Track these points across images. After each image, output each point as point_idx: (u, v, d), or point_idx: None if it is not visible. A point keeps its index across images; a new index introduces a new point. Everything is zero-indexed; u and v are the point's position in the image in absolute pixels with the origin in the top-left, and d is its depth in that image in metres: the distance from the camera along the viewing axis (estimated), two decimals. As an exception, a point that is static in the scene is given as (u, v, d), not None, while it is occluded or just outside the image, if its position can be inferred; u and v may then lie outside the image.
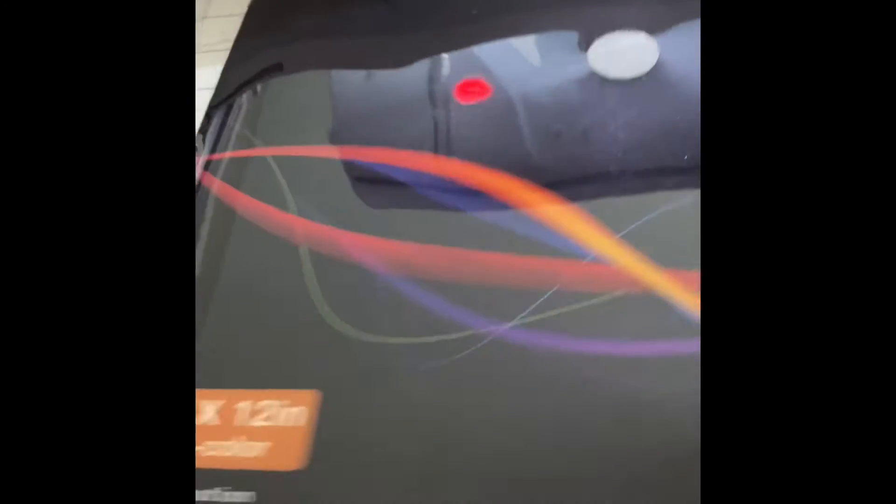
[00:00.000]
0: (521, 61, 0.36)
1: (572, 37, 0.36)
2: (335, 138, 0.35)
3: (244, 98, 0.37)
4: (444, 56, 0.37)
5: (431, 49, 0.37)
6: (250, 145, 0.35)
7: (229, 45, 0.39)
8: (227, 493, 0.25)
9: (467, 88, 0.35)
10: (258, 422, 0.26)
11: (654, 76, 0.34)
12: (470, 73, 0.35)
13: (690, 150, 0.31)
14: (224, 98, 0.37)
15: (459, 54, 0.37)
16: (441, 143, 0.33)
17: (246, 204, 0.32)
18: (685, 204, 0.29)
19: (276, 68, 0.38)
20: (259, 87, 0.38)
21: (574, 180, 0.31)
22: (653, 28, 0.35)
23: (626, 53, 0.34)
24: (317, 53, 0.39)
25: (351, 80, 0.37)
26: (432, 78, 0.36)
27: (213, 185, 0.34)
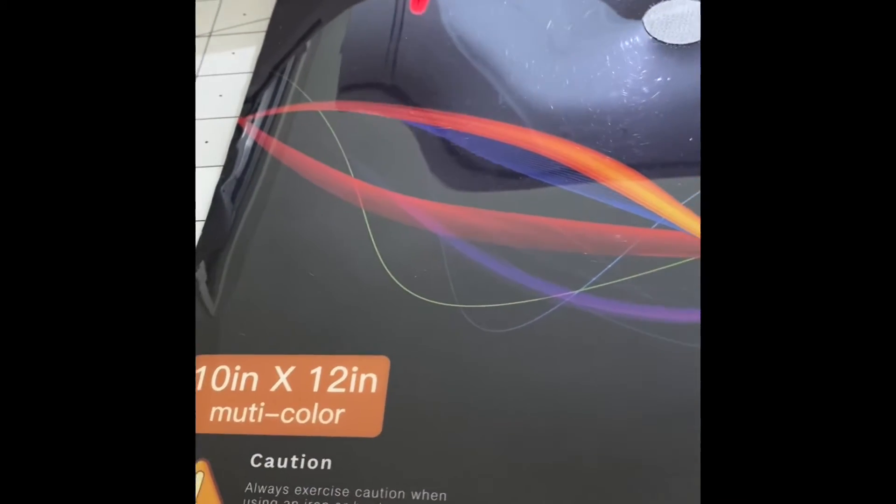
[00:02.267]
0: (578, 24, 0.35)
1: (627, 3, 0.35)
2: (377, 96, 0.34)
3: (294, 55, 0.36)
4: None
5: None
6: (302, 101, 0.34)
7: (256, 25, 0.38)
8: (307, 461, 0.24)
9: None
10: (333, 388, 0.26)
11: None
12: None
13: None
14: (273, 57, 0.36)
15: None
16: (504, 110, 0.33)
17: (306, 164, 0.32)
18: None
19: (312, 30, 0.37)
20: (308, 43, 0.37)
21: (639, 149, 0.31)
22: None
23: (681, 20, 0.34)
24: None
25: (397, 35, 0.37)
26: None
27: (268, 144, 0.33)
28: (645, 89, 0.32)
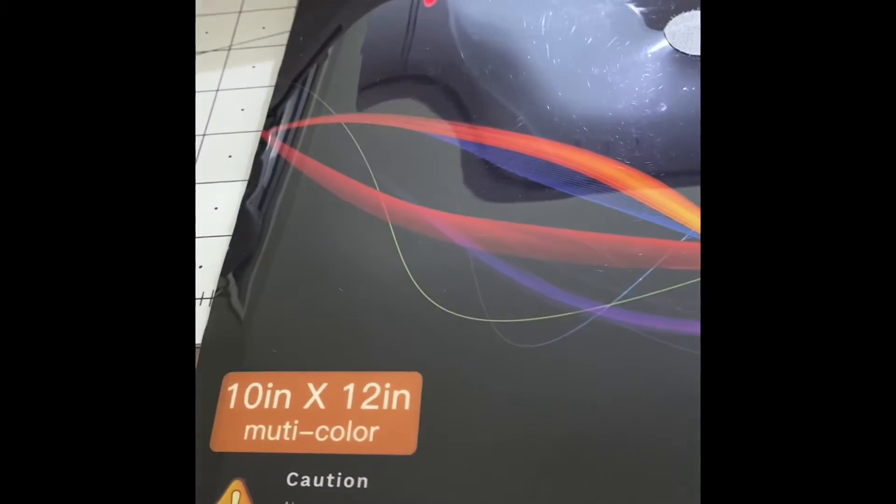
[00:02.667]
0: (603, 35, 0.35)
1: (648, 12, 0.35)
2: (400, 108, 0.34)
3: (315, 64, 0.36)
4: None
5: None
6: (325, 113, 0.34)
7: (276, 39, 0.38)
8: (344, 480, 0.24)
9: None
10: (366, 405, 0.26)
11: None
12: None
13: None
14: (294, 68, 0.36)
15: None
16: (526, 121, 0.33)
17: (331, 178, 0.32)
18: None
19: (333, 36, 0.37)
20: (329, 52, 0.37)
21: (664, 159, 0.31)
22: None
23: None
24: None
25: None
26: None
27: (291, 156, 0.33)
28: (667, 99, 0.32)
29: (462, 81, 0.34)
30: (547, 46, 0.35)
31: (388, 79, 0.35)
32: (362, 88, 0.35)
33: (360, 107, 0.34)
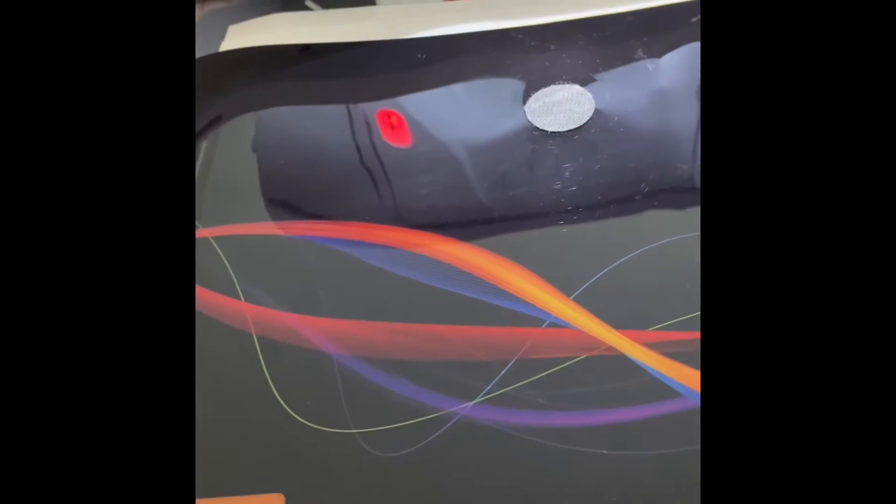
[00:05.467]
0: (457, 115, 0.36)
1: (509, 90, 0.36)
2: (271, 212, 0.34)
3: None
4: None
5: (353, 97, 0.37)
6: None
7: None
8: None
9: (387, 120, 0.35)
10: (226, 536, 0.25)
11: (594, 126, 0.34)
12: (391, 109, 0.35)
13: (640, 198, 0.31)
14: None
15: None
16: (386, 208, 0.33)
17: (198, 294, 0.31)
18: (632, 260, 0.29)
19: (210, 125, 0.37)
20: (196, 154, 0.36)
21: (524, 242, 0.31)
22: (586, 79, 0.35)
23: (562, 106, 0.34)
24: (248, 107, 0.38)
25: (278, 132, 0.37)
26: (355, 130, 0.35)
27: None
28: (533, 178, 0.32)
29: (324, 175, 0.34)
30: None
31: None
32: (229, 200, 0.34)
33: (224, 219, 0.33)
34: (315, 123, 0.37)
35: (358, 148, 0.35)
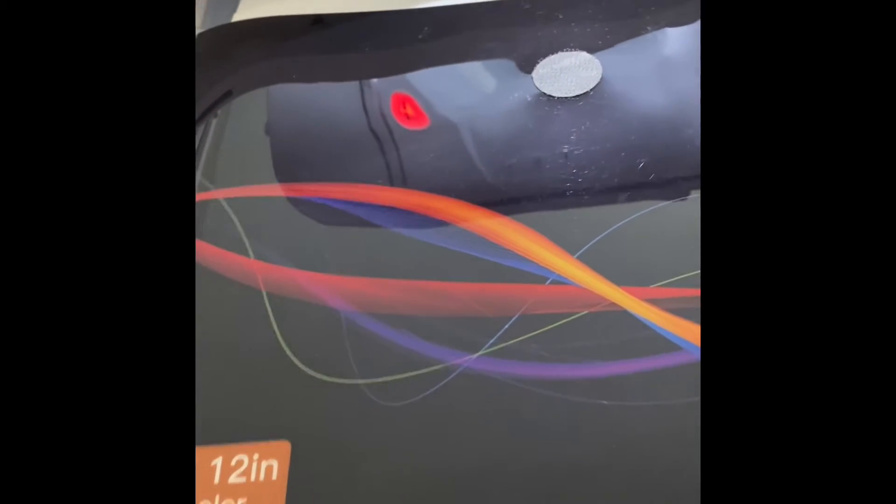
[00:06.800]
0: (464, 85, 0.36)
1: (517, 58, 0.36)
2: (283, 175, 0.34)
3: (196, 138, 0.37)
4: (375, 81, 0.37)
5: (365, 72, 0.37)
6: (203, 189, 0.34)
7: None
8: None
9: (401, 109, 0.35)
10: (233, 478, 0.26)
11: (601, 91, 0.34)
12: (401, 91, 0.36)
13: (645, 162, 0.31)
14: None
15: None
16: (394, 175, 0.33)
17: (206, 252, 0.32)
18: (636, 221, 0.30)
19: (221, 100, 0.38)
20: (207, 127, 0.37)
21: (529, 204, 0.31)
22: (594, 47, 0.35)
23: (570, 72, 0.35)
24: (259, 81, 0.39)
25: (290, 110, 0.37)
26: (367, 105, 0.36)
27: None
28: (539, 142, 0.33)
29: (330, 141, 0.35)
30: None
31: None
32: (241, 163, 0.35)
33: (237, 181, 0.34)
34: (326, 98, 0.38)
35: (368, 117, 0.36)
